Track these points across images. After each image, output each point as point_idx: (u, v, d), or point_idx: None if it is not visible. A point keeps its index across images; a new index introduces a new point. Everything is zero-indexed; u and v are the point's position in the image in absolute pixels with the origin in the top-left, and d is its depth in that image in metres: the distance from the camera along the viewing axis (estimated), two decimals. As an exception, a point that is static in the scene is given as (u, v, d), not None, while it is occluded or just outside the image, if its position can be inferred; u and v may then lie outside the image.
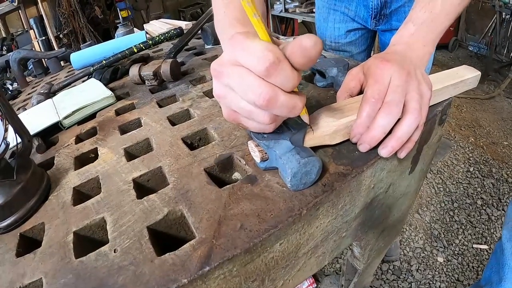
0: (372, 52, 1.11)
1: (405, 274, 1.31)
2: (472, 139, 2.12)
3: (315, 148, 0.38)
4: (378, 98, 0.36)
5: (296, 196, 0.33)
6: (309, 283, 1.12)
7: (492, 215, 1.55)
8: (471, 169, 1.85)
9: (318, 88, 0.56)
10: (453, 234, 1.47)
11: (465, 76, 0.48)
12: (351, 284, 0.84)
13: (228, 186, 0.35)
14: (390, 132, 0.37)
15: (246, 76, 0.27)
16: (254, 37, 0.27)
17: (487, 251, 1.38)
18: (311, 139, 0.36)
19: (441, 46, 3.57)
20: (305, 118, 0.35)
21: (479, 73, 0.50)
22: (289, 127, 0.34)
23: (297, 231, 0.32)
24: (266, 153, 0.34)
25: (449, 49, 3.54)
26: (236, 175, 0.41)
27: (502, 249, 0.88)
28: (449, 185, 1.74)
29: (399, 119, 0.36)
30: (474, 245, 1.42)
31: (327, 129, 0.37)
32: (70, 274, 0.30)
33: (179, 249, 0.29)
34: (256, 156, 0.35)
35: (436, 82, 0.46)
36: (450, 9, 0.46)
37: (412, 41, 0.45)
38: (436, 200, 1.65)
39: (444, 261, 1.35)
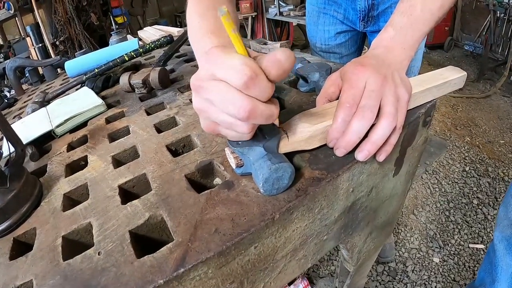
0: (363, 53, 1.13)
1: (401, 275, 1.31)
2: (468, 139, 2.13)
3: (292, 153, 0.40)
4: (352, 103, 0.36)
5: (269, 201, 0.34)
6: (304, 286, 1.14)
7: (488, 214, 1.56)
8: (467, 169, 1.86)
9: (301, 93, 0.57)
10: (449, 234, 1.48)
11: (450, 77, 0.48)
12: (344, 286, 0.85)
13: (206, 191, 0.37)
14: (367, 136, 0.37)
15: (225, 90, 0.28)
16: (230, 51, 0.28)
17: (483, 250, 1.39)
18: (287, 145, 0.37)
19: (437, 46, 3.59)
20: (276, 122, 0.36)
21: (464, 73, 0.50)
22: (264, 134, 0.36)
23: (272, 234, 0.34)
24: (241, 159, 0.36)
25: (444, 49, 3.57)
26: (217, 180, 0.43)
27: (494, 250, 0.89)
28: (445, 185, 1.75)
29: (375, 123, 0.37)
30: (470, 245, 1.42)
31: (302, 135, 0.38)
32: (58, 276, 0.32)
33: (157, 251, 0.31)
34: (232, 162, 0.36)
35: (418, 84, 0.46)
36: (429, 14, 0.47)
37: (392, 45, 0.46)
38: (432, 201, 1.66)
39: (440, 261, 1.36)
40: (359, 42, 1.04)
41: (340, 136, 0.37)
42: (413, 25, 0.46)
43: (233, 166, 0.37)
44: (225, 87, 0.28)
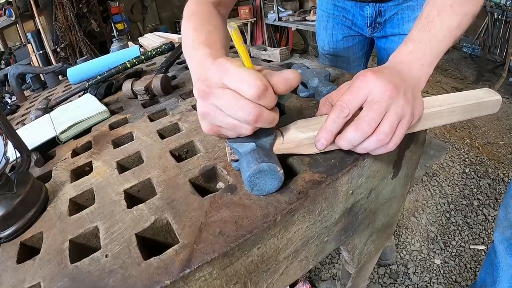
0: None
1: (402, 278, 1.32)
2: (468, 140, 2.13)
3: (292, 158, 0.41)
4: (344, 106, 0.36)
5: (271, 203, 0.35)
6: (306, 288, 1.14)
7: (489, 215, 1.56)
8: (467, 170, 1.86)
9: (300, 98, 0.58)
10: (449, 235, 1.48)
11: (481, 99, 0.44)
12: (346, 288, 0.85)
13: (209, 195, 0.38)
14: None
15: (237, 98, 0.32)
16: (240, 65, 0.33)
17: (484, 251, 1.39)
18: (282, 146, 0.39)
19: (435, 49, 3.59)
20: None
21: (499, 97, 0.45)
22: (259, 133, 0.37)
23: (274, 236, 0.35)
24: (235, 153, 0.38)
25: (443, 52, 3.57)
26: (220, 184, 0.44)
27: (495, 252, 0.90)
28: (445, 187, 1.75)
29: None
30: (471, 246, 1.42)
31: (298, 136, 0.39)
32: (66, 278, 0.33)
33: (164, 253, 0.32)
34: (228, 156, 0.39)
35: (444, 102, 0.43)
36: (447, 32, 0.45)
37: (410, 59, 0.44)
38: (432, 203, 1.66)
39: (441, 263, 1.36)
40: (367, 47, 1.06)
41: (328, 136, 0.37)
42: (432, 42, 0.44)
43: (228, 159, 0.40)
44: (236, 95, 0.32)
